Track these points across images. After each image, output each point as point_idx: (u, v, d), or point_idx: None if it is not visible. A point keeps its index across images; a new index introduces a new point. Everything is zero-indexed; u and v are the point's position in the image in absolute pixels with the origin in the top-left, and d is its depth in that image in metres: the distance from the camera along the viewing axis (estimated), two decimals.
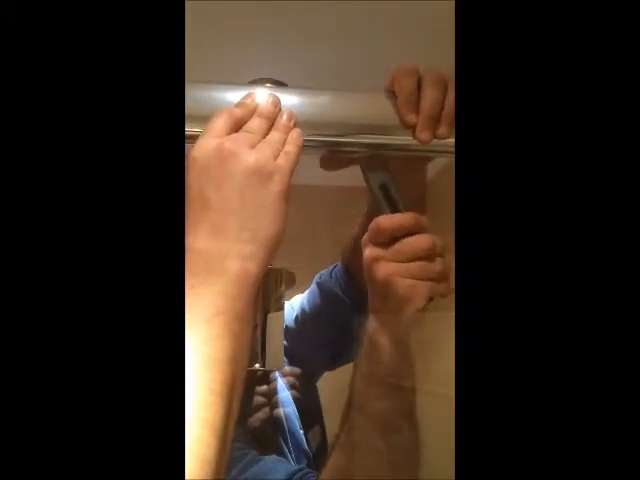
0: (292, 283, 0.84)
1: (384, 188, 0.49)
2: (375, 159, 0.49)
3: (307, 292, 0.83)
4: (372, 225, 0.48)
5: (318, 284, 0.81)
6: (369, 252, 0.49)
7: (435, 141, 0.47)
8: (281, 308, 0.65)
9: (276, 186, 0.40)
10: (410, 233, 0.47)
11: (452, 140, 0.46)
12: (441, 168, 0.55)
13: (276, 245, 0.40)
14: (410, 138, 0.47)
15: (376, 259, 0.48)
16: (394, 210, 0.49)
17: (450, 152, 0.47)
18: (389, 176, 0.50)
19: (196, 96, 0.46)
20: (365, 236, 0.49)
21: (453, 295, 0.35)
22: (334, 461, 0.54)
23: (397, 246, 0.47)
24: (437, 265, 0.47)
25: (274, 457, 0.68)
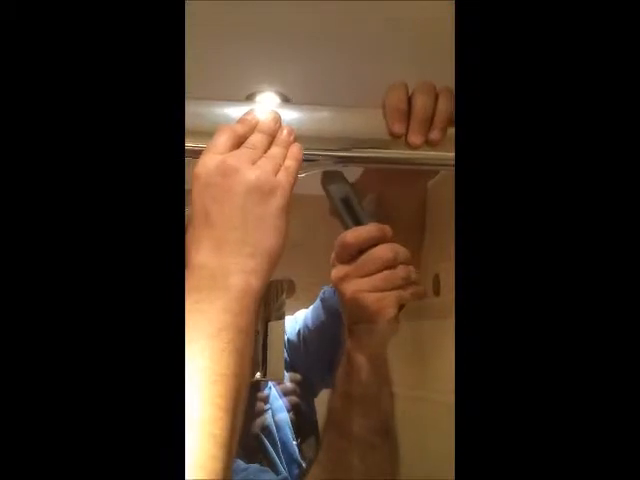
0: (292, 291, 0.84)
1: (346, 201, 0.50)
2: (335, 174, 0.50)
3: (311, 308, 0.84)
4: (338, 242, 0.49)
5: (322, 300, 0.82)
6: (335, 272, 0.50)
7: (434, 154, 0.47)
8: (282, 317, 0.66)
9: (277, 201, 0.41)
10: (375, 244, 0.48)
11: (452, 154, 0.47)
12: (440, 177, 0.56)
13: (277, 259, 0.41)
14: (410, 152, 0.47)
15: (342, 278, 0.49)
16: (357, 223, 0.50)
17: (449, 165, 0.47)
18: (350, 189, 0.50)
19: (196, 111, 0.46)
20: (332, 255, 0.50)
21: (453, 302, 0.35)
22: (312, 478, 0.55)
23: (361, 260, 0.49)
24: (400, 272, 0.48)
25: (257, 466, 0.68)
